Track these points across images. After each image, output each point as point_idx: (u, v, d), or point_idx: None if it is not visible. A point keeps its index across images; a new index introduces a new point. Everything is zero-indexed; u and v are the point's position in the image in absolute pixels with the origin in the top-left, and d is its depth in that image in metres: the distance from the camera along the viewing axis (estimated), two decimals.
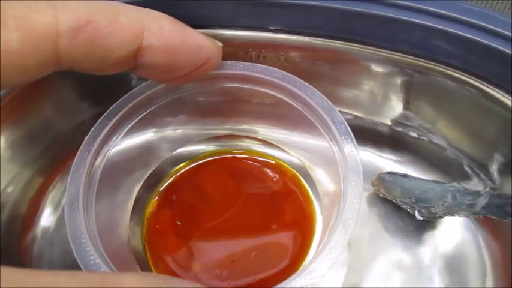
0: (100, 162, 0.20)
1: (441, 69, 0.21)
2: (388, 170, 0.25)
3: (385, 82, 0.23)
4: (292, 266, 0.21)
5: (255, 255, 0.22)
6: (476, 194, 0.20)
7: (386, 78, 0.23)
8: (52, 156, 0.24)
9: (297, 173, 0.25)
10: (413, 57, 0.21)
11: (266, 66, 0.20)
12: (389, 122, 0.26)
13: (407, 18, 0.20)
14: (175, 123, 0.24)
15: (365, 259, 0.23)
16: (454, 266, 0.23)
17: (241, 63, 0.20)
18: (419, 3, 0.20)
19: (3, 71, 0.14)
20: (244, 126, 0.25)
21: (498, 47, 0.19)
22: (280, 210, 0.23)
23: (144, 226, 0.23)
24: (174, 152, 0.25)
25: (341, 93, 0.25)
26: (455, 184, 0.21)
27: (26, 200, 0.24)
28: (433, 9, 0.20)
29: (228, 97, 0.23)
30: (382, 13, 0.20)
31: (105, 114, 0.20)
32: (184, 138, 0.25)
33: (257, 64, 0.20)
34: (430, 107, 0.24)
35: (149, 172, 0.24)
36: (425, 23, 0.20)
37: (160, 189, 0.24)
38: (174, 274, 0.21)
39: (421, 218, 0.23)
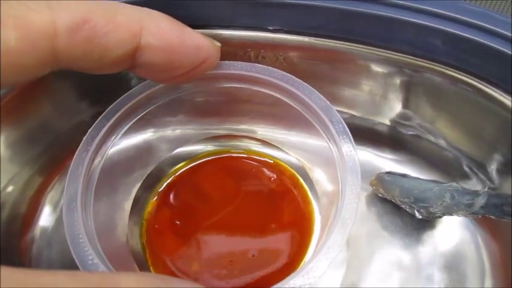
0: (98, 162, 0.20)
1: (440, 69, 0.21)
2: (387, 170, 0.25)
3: (384, 82, 0.23)
4: (291, 266, 0.21)
5: (253, 255, 0.22)
6: (475, 193, 0.20)
7: (386, 78, 0.23)
8: (51, 156, 0.25)
9: (296, 173, 0.24)
10: (412, 57, 0.21)
11: (265, 66, 0.20)
12: (388, 122, 0.26)
13: (407, 18, 0.20)
14: (174, 123, 0.24)
15: (364, 259, 0.23)
16: (452, 265, 0.23)
17: (240, 63, 0.20)
18: (419, 3, 0.20)
19: (2, 70, 0.14)
20: (243, 126, 0.25)
21: (497, 46, 0.19)
22: (278, 210, 0.23)
23: (142, 226, 0.23)
24: (173, 152, 0.25)
25: (340, 93, 0.25)
26: (454, 184, 0.21)
27: (25, 200, 0.24)
28: (433, 9, 0.20)
29: (226, 97, 0.23)
30: (381, 13, 0.20)
31: (103, 114, 0.20)
32: (183, 138, 0.25)
33: (256, 64, 0.20)
34: (429, 106, 0.24)
35: (148, 172, 0.24)
36: (424, 22, 0.20)
37: (159, 189, 0.24)
38: (172, 274, 0.21)
39: (420, 217, 0.23)
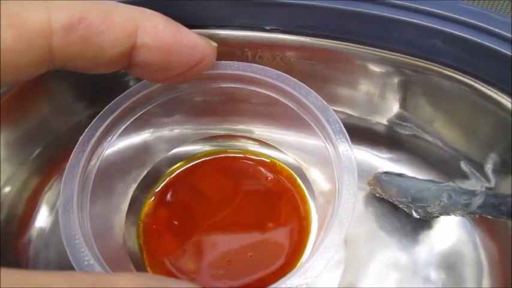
0: (95, 162, 0.20)
1: (437, 68, 0.21)
2: (385, 170, 0.25)
3: (381, 82, 0.23)
4: (288, 266, 0.21)
5: (250, 256, 0.22)
6: (472, 193, 0.20)
7: (383, 77, 0.23)
8: (49, 157, 0.24)
9: (293, 173, 0.24)
10: (410, 57, 0.21)
11: (261, 66, 0.20)
12: (385, 122, 0.26)
13: (404, 18, 0.20)
14: (171, 123, 0.24)
15: (361, 259, 0.23)
16: (450, 265, 0.23)
17: (237, 63, 0.20)
18: (416, 3, 0.20)
19: None
20: (240, 126, 0.25)
21: (495, 46, 0.19)
22: (275, 210, 0.23)
23: (139, 227, 0.23)
24: (170, 152, 0.25)
25: (337, 93, 0.25)
26: (451, 183, 0.21)
27: (23, 201, 0.24)
28: (430, 9, 0.20)
29: (223, 97, 0.23)
30: (379, 13, 0.20)
31: (100, 114, 0.20)
32: (180, 138, 0.25)
33: (252, 64, 0.20)
34: (427, 106, 0.24)
35: (145, 172, 0.24)
36: (422, 22, 0.20)
37: (156, 190, 0.24)
38: (170, 274, 0.21)
39: (418, 217, 0.23)
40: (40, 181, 0.25)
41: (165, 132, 0.24)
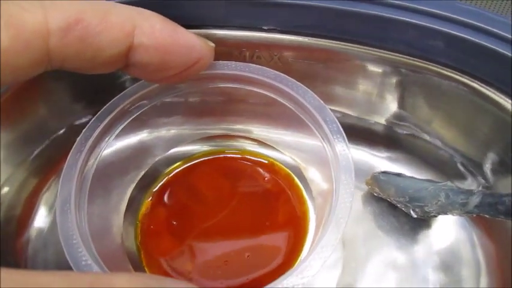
0: (93, 163, 0.20)
1: (436, 68, 0.21)
2: (383, 169, 0.25)
3: (379, 81, 0.23)
4: (286, 266, 0.21)
5: (248, 256, 0.22)
6: (469, 192, 0.20)
7: (381, 77, 0.23)
8: (47, 157, 0.24)
9: (291, 173, 0.24)
10: (408, 57, 0.21)
11: (259, 66, 0.20)
12: (384, 121, 0.26)
13: (402, 18, 0.20)
14: (169, 124, 0.24)
15: (359, 258, 0.23)
16: (448, 264, 0.23)
17: (234, 63, 0.20)
18: (415, 3, 0.20)
19: None
20: (238, 126, 0.25)
21: (493, 46, 0.19)
22: (273, 210, 0.23)
23: (137, 227, 0.23)
24: (168, 152, 0.25)
25: (335, 93, 0.25)
26: (449, 183, 0.21)
27: (21, 201, 0.24)
28: (429, 9, 0.20)
29: (221, 97, 0.23)
30: (377, 13, 0.20)
31: (97, 115, 0.20)
32: (178, 138, 0.25)
33: (250, 64, 0.20)
34: (425, 106, 0.24)
35: (143, 173, 0.24)
36: (420, 22, 0.20)
37: (154, 190, 0.24)
38: (167, 274, 0.21)
39: (416, 216, 0.23)
40: (38, 181, 0.25)
41: (163, 132, 0.24)
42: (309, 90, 0.20)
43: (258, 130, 0.25)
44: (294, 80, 0.20)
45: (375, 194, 0.25)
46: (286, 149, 0.25)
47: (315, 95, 0.19)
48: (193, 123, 0.25)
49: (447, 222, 0.24)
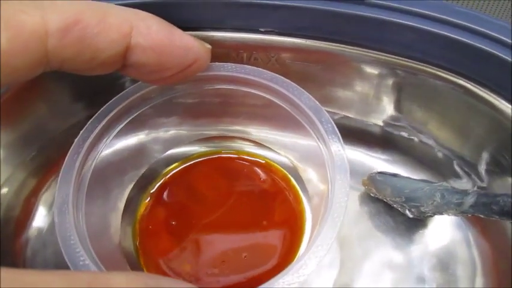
0: (91, 163, 0.20)
1: (431, 70, 0.21)
2: (379, 170, 0.25)
3: (376, 83, 0.24)
4: (283, 265, 0.21)
5: (245, 256, 0.22)
6: (464, 193, 0.20)
7: (378, 79, 0.23)
8: (46, 158, 0.25)
9: (287, 173, 0.25)
10: (405, 59, 0.22)
11: (255, 68, 0.20)
12: (380, 123, 0.26)
13: (400, 21, 0.20)
14: (167, 124, 0.24)
15: (356, 258, 0.23)
16: (444, 264, 0.23)
17: (230, 65, 0.21)
18: (412, 5, 0.20)
19: None
20: (235, 127, 0.26)
21: (488, 49, 0.19)
22: (270, 210, 0.23)
23: (136, 227, 0.23)
24: (166, 153, 0.25)
25: (332, 94, 0.25)
26: (444, 183, 0.21)
27: (20, 202, 0.24)
28: (425, 11, 0.20)
29: (219, 98, 0.23)
30: (374, 15, 0.20)
31: (95, 115, 0.20)
32: (176, 139, 0.25)
33: (246, 66, 0.21)
34: (421, 107, 0.24)
35: (141, 173, 0.24)
36: (416, 25, 0.20)
37: (152, 190, 0.24)
38: (165, 275, 0.21)
39: (412, 216, 0.23)
40: (38, 182, 0.25)
41: (161, 133, 0.24)
42: (304, 91, 0.20)
43: (255, 131, 0.26)
44: (290, 82, 0.20)
45: (372, 195, 0.25)
46: (282, 150, 0.25)
47: (311, 96, 0.19)
48: (190, 124, 0.25)
49: (443, 222, 0.24)
